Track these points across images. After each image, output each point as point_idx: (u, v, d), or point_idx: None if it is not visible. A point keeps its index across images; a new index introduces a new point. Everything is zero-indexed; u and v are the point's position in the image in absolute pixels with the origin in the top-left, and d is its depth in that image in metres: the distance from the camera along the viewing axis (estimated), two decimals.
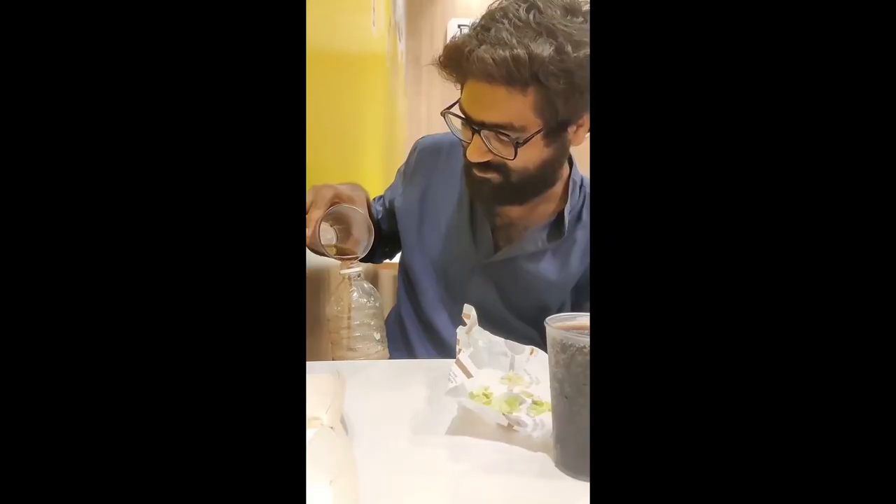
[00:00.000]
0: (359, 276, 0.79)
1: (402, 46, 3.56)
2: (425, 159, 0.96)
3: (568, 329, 0.47)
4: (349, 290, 0.79)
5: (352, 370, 0.68)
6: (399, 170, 1.03)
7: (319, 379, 0.59)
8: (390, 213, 0.98)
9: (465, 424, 0.56)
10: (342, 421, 0.51)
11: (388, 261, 1.06)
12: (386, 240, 1.00)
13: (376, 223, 0.97)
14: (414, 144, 1.00)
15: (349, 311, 0.79)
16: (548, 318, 0.49)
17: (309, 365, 0.78)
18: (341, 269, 0.80)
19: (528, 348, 0.67)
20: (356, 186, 0.91)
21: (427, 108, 4.10)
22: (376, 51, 2.27)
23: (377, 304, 0.81)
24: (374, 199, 1.06)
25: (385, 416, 0.59)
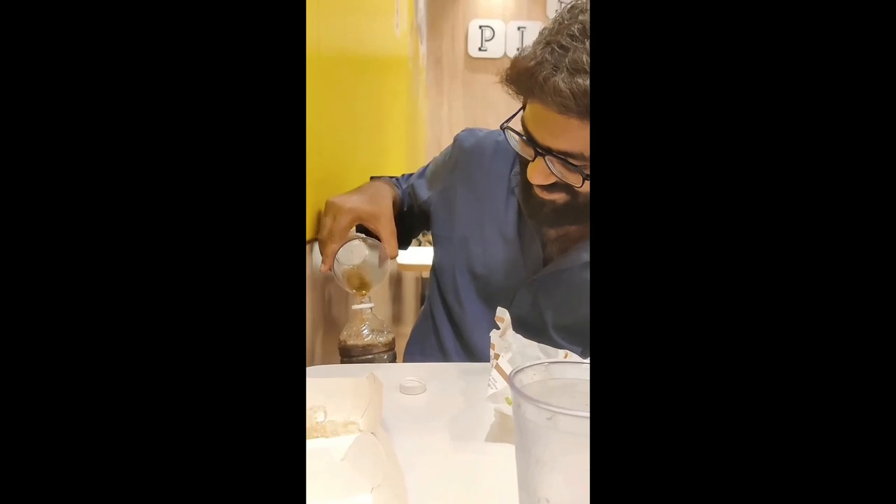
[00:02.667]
0: (370, 311, 0.81)
1: (423, 48, 3.56)
2: (466, 160, 0.90)
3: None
4: (361, 326, 0.80)
5: (387, 373, 0.68)
6: (436, 160, 0.97)
7: (355, 383, 0.59)
8: (421, 208, 0.94)
9: (503, 430, 0.55)
10: (382, 425, 0.51)
11: (409, 261, 1.05)
12: (412, 222, 0.96)
13: (400, 209, 0.93)
14: (455, 137, 0.94)
15: (361, 345, 0.80)
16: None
17: (333, 368, 0.79)
18: (352, 304, 0.81)
19: (561, 352, 0.66)
20: (377, 197, 0.87)
21: (448, 110, 4.09)
22: (399, 53, 2.27)
23: (391, 337, 0.82)
24: (402, 177, 1.01)
25: (422, 420, 0.59)
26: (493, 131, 0.89)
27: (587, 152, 0.66)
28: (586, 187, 0.69)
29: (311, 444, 0.52)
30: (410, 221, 0.97)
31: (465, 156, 0.90)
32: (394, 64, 2.13)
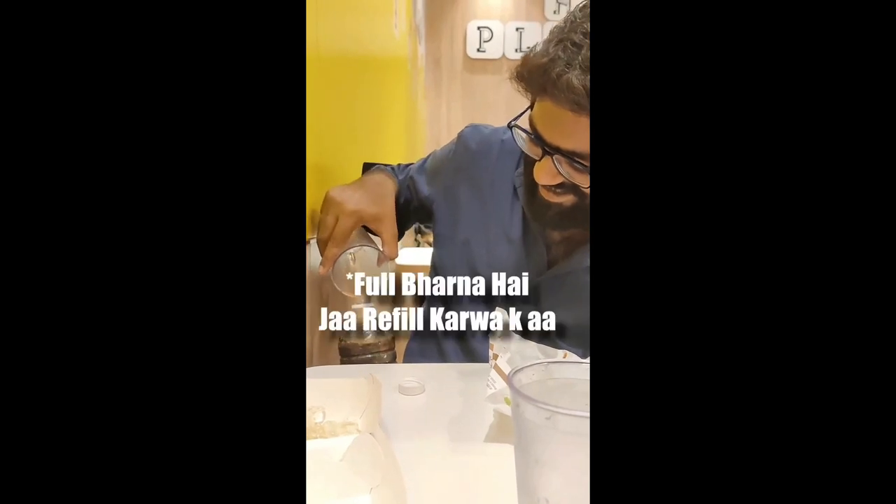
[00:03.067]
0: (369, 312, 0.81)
1: (421, 49, 3.56)
2: (470, 159, 0.88)
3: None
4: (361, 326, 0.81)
5: (386, 374, 0.68)
6: (436, 154, 0.95)
7: (353, 383, 0.59)
8: (422, 203, 0.93)
9: (502, 431, 0.55)
10: (381, 426, 0.51)
11: (409, 262, 1.06)
12: (409, 215, 0.95)
13: (397, 201, 0.92)
14: (459, 134, 0.92)
15: (361, 344, 0.81)
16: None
17: (332, 368, 0.80)
18: (352, 304, 0.81)
19: (560, 352, 0.66)
20: (381, 197, 0.86)
21: (447, 111, 4.10)
22: (398, 54, 2.27)
23: (390, 336, 0.82)
24: (398, 166, 1.00)
25: (421, 421, 0.59)
26: (497, 129, 0.88)
27: None
28: None
29: (309, 445, 0.52)
30: (408, 214, 0.95)
31: (469, 155, 0.89)
32: (392, 65, 2.13)
